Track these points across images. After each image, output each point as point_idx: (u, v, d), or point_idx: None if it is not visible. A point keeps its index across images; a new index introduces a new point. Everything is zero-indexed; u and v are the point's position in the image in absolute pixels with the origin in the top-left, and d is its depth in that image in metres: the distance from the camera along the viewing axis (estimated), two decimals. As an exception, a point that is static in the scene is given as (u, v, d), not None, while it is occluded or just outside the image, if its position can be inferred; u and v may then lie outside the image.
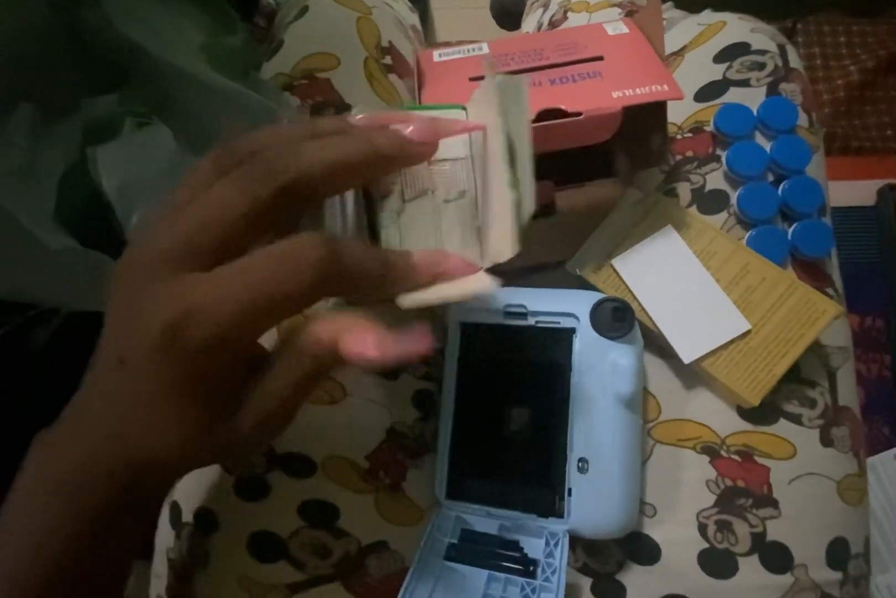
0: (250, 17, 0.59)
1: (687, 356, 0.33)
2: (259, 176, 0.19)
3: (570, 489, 0.30)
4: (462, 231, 0.25)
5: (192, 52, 0.35)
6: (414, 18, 0.53)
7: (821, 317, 0.33)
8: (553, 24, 0.55)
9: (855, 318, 0.65)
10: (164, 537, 0.32)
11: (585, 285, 0.36)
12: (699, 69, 0.41)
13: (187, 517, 0.31)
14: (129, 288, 0.20)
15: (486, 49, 0.37)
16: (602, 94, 0.31)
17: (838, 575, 0.31)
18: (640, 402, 0.32)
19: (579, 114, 0.30)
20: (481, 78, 0.35)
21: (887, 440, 0.61)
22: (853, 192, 0.69)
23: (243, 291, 0.18)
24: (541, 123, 0.30)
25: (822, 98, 0.73)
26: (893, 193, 0.68)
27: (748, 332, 0.33)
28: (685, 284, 0.34)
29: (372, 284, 0.21)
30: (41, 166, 0.29)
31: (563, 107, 0.31)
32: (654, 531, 0.32)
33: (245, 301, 0.18)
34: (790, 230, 0.36)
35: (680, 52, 0.43)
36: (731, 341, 0.33)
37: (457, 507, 0.32)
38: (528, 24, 0.65)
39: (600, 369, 0.31)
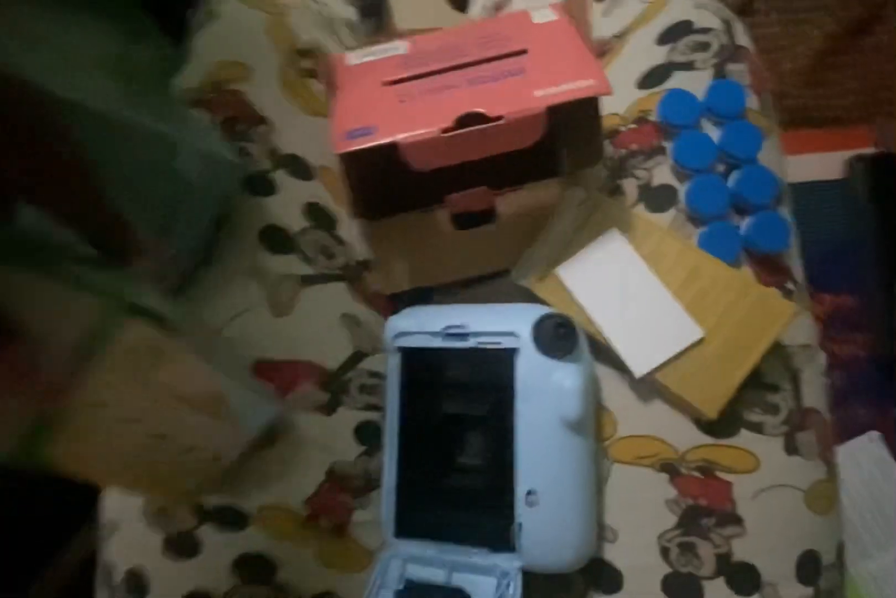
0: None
1: (638, 370, 0.31)
2: None
3: (520, 524, 0.28)
4: None
5: (92, 71, 0.31)
6: (349, 12, 0.50)
7: (778, 318, 0.31)
8: (497, 7, 0.51)
9: (827, 298, 0.64)
10: (99, 599, 0.30)
11: (533, 296, 0.34)
12: (642, 53, 0.38)
13: (118, 577, 0.29)
14: None
15: (403, 49, 0.34)
16: (524, 94, 0.28)
17: (809, 591, 0.29)
18: (591, 425, 0.30)
19: (501, 117, 0.28)
20: (397, 82, 0.32)
21: (863, 422, 0.60)
22: (820, 165, 0.66)
23: None
24: (459, 131, 0.28)
25: (785, 67, 0.70)
26: (862, 164, 0.65)
27: (702, 339, 0.31)
28: (633, 291, 0.32)
29: None
30: None
31: (482, 110, 0.28)
32: (616, 556, 0.30)
33: None
34: (743, 225, 0.34)
35: (623, 35, 0.40)
36: (684, 351, 0.31)
37: (405, 546, 0.30)
38: (474, 5, 0.62)
39: (544, 392, 0.29)
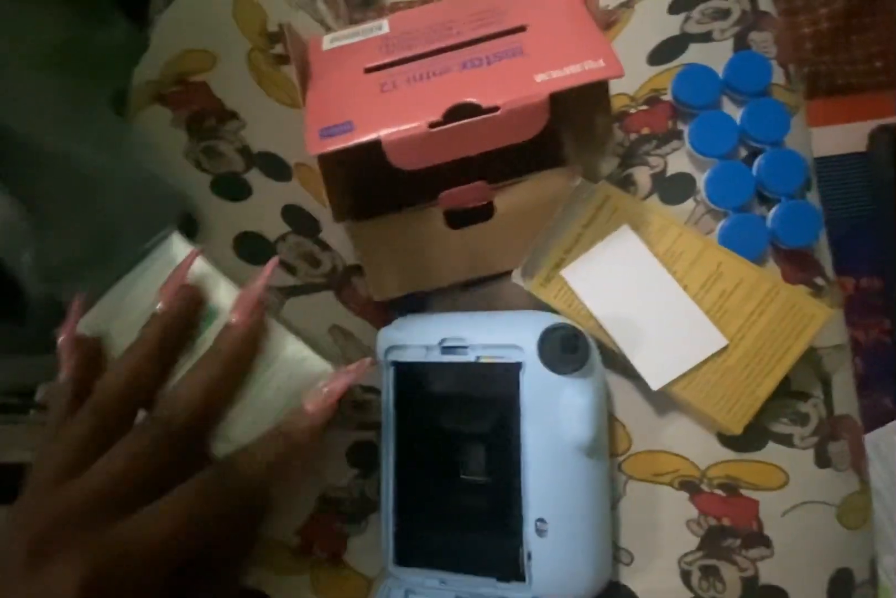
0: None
1: (655, 382, 0.28)
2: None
3: (529, 553, 0.26)
4: None
5: (28, 70, 0.28)
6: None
7: (809, 324, 0.28)
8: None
9: (849, 280, 0.60)
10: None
11: (539, 300, 0.31)
12: (652, 24, 0.34)
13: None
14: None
15: (386, 28, 0.30)
16: (524, 79, 0.25)
17: (842, 612, 0.27)
18: (605, 446, 0.28)
19: (497, 108, 0.24)
20: (378, 68, 0.29)
21: (888, 412, 0.57)
22: (842, 137, 0.62)
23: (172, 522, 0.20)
24: (449, 125, 0.24)
25: (803, 31, 0.65)
26: (886, 136, 0.61)
27: (725, 348, 0.28)
28: (647, 294, 0.29)
29: None
30: None
31: (475, 100, 0.25)
32: (633, 580, 0.28)
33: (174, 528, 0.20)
34: (769, 216, 0.31)
35: (629, 3, 0.36)
36: (706, 361, 0.28)
37: (407, 575, 0.28)
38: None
39: (553, 412, 0.26)
